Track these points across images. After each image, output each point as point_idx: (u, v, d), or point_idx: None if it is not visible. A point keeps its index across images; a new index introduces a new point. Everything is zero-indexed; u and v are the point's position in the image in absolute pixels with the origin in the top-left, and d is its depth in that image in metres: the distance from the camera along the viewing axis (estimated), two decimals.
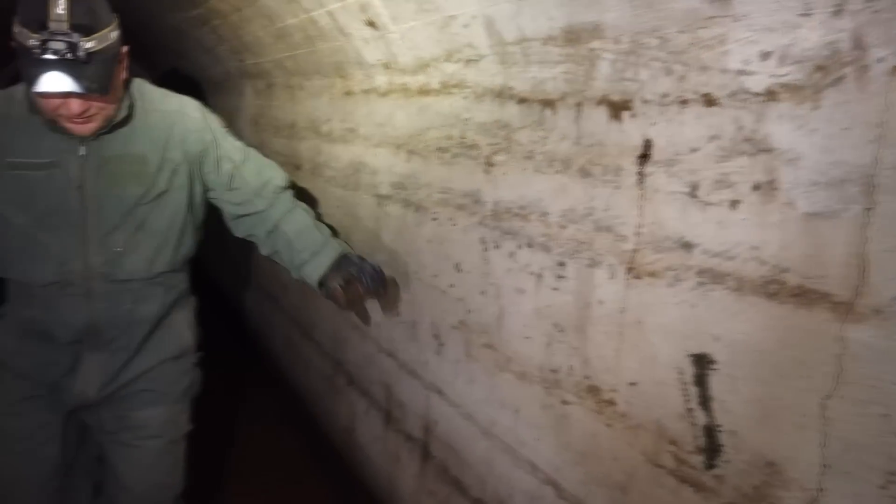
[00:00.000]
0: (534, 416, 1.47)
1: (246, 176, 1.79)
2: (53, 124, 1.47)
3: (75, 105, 1.39)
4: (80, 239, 1.53)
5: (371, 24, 1.93)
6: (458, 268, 1.77)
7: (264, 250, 1.90)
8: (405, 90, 2.01)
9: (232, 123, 4.31)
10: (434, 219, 1.87)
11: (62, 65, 1.29)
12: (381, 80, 2.16)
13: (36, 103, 1.42)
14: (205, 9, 3.04)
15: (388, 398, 2.29)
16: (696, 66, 1.03)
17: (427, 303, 1.95)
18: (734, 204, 0.99)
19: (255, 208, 1.82)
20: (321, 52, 2.47)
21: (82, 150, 1.51)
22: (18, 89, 1.55)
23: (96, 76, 1.34)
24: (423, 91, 1.90)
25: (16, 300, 1.64)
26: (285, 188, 1.89)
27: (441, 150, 1.82)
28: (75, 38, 1.29)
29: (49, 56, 1.27)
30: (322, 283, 1.80)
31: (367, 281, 1.76)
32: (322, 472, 2.85)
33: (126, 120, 1.56)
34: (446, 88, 1.78)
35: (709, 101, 1.02)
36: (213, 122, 1.76)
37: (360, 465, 2.53)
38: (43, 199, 1.51)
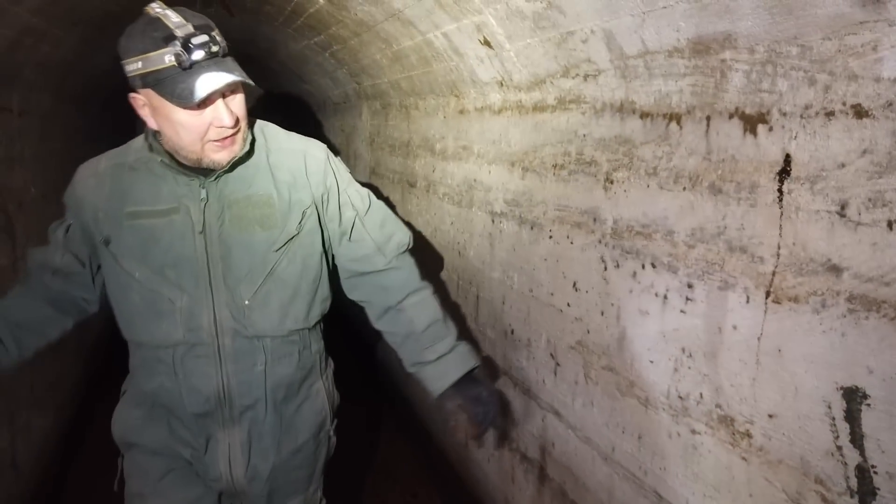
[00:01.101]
0: (659, 444, 1.41)
1: (368, 228, 1.59)
2: (192, 157, 1.35)
3: (228, 113, 1.30)
4: (205, 291, 1.43)
5: (486, 43, 1.94)
6: (575, 287, 1.73)
7: (380, 324, 1.66)
8: (520, 107, 2.00)
9: (350, 142, 4.50)
10: (550, 236, 1.85)
11: (211, 63, 1.24)
12: (495, 97, 2.16)
13: (179, 132, 1.30)
14: (326, 35, 3.18)
15: (502, 416, 2.27)
16: (843, 76, 0.96)
17: (543, 321, 1.92)
18: (891, 224, 0.90)
19: (374, 266, 1.60)
20: (435, 72, 2.51)
21: (203, 194, 1.41)
22: (135, 141, 1.50)
23: (239, 68, 1.29)
24: (539, 108, 1.88)
25: (140, 370, 1.52)
26: (408, 248, 1.67)
27: (557, 166, 1.79)
28: (209, 33, 1.25)
29: (197, 57, 1.22)
30: (440, 395, 1.59)
31: (488, 422, 1.55)
32: (437, 485, 2.87)
33: (248, 156, 1.44)
34: (563, 104, 1.75)
35: (859, 112, 0.94)
36: (338, 165, 1.60)
37: (476, 482, 2.52)
38: (164, 247, 1.41)
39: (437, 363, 1.57)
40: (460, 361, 1.58)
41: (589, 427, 1.70)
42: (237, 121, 1.33)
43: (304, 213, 1.49)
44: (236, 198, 1.43)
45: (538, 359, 1.97)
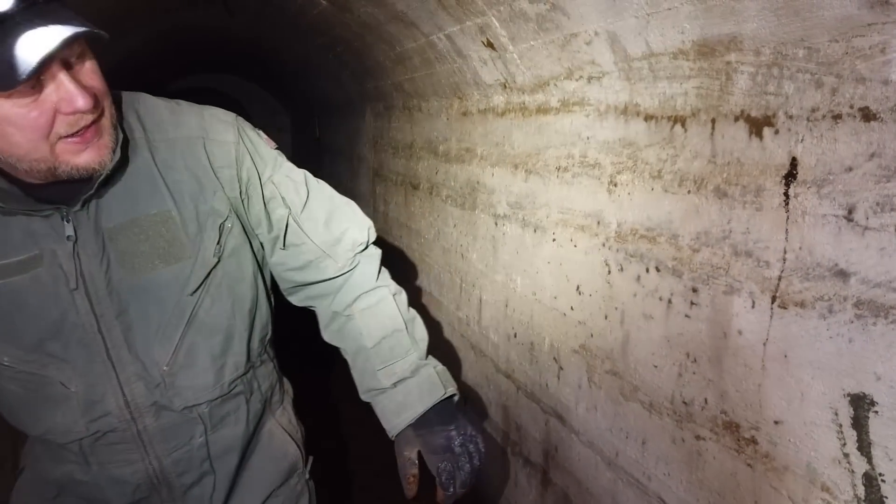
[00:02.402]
0: (663, 450, 1.39)
1: (307, 229, 1.19)
2: (39, 170, 0.89)
3: (79, 90, 0.85)
4: (104, 366, 1.04)
5: (489, 45, 1.93)
6: (579, 290, 1.72)
7: (327, 336, 1.28)
8: (523, 109, 1.99)
9: (353, 144, 4.49)
10: (553, 239, 1.84)
11: (30, 14, 0.79)
12: (499, 99, 2.15)
13: (9, 135, 0.85)
14: (330, 37, 3.17)
15: (505, 420, 2.26)
16: (851, 78, 0.94)
17: (546, 325, 1.91)
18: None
19: (323, 274, 1.22)
20: (438, 74, 2.51)
21: (69, 230, 0.98)
22: None
23: (74, 14, 0.85)
24: (542, 110, 1.87)
25: (42, 453, 1.15)
26: (368, 243, 1.27)
27: (561, 169, 1.78)
28: None
29: (4, 5, 0.76)
30: (397, 435, 1.19)
31: (458, 486, 1.14)
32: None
33: (123, 162, 1.00)
34: (566, 106, 1.74)
35: (867, 115, 0.92)
36: (255, 142, 1.17)
37: (478, 486, 2.51)
38: (34, 315, 0.99)
39: (394, 390, 1.18)
40: (426, 389, 1.17)
41: (592, 432, 1.69)
42: (96, 99, 0.89)
43: (221, 229, 1.10)
44: (119, 225, 1.01)
45: (541, 362, 1.95)
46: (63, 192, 0.96)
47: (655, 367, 1.40)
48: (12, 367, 1.02)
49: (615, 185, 1.53)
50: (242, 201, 1.14)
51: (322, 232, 1.21)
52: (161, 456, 1.11)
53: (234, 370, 1.16)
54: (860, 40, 0.92)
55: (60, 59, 0.84)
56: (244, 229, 1.16)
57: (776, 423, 1.10)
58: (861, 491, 0.95)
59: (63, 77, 0.85)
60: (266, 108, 7.23)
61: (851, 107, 0.95)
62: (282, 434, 1.30)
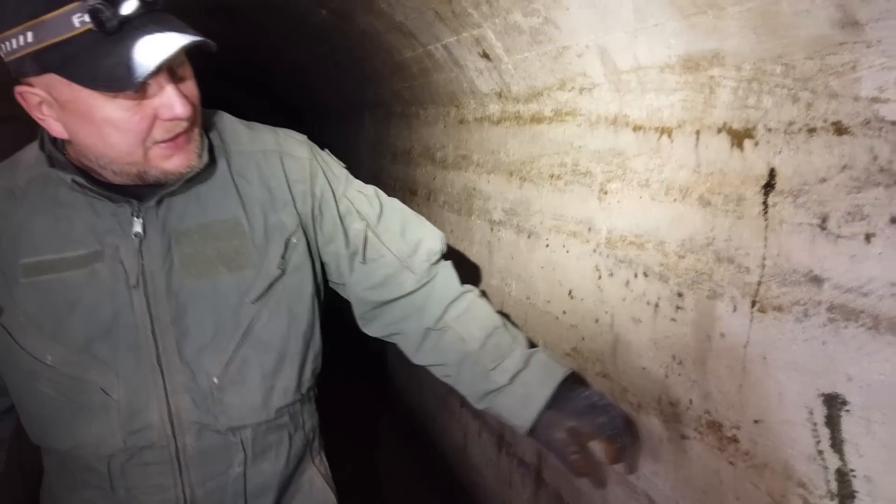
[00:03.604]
0: (651, 449, 1.44)
1: (385, 240, 1.18)
2: (128, 171, 0.93)
3: (180, 98, 0.87)
4: (152, 371, 0.99)
5: (485, 55, 1.98)
6: (571, 294, 1.77)
7: (420, 358, 1.26)
8: (518, 118, 2.04)
9: (352, 150, 4.55)
10: (547, 245, 1.89)
11: (148, 21, 0.82)
12: (494, 108, 2.21)
13: (109, 136, 0.87)
14: (330, 45, 3.23)
15: (500, 422, 2.31)
16: (824, 94, 1.00)
17: (540, 328, 1.96)
18: (869, 237, 0.93)
19: (403, 289, 1.19)
20: (436, 83, 2.56)
21: (138, 226, 0.97)
22: (23, 153, 1.04)
23: (184, 24, 0.87)
24: (536, 119, 1.92)
25: (58, 478, 1.09)
26: (442, 253, 1.26)
27: (554, 177, 1.83)
28: None
29: (128, 9, 0.79)
30: (534, 429, 1.17)
31: (622, 431, 1.13)
32: (435, 489, 2.90)
33: (207, 170, 1.03)
34: (559, 116, 1.79)
35: (839, 129, 0.98)
36: (328, 161, 1.19)
37: (474, 486, 2.55)
38: (86, 313, 0.97)
39: (513, 385, 1.16)
40: (545, 373, 1.16)
41: None
42: (193, 107, 0.92)
43: (287, 243, 1.08)
44: (188, 228, 1.01)
45: None
46: (136, 193, 0.98)
47: (644, 368, 1.45)
48: (55, 367, 0.97)
49: (605, 193, 1.58)
50: (314, 218, 1.13)
51: (399, 242, 1.20)
52: (195, 484, 1.04)
53: (282, 396, 1.10)
54: (833, 58, 0.97)
55: (167, 66, 0.87)
56: (309, 248, 1.13)
57: (756, 422, 1.14)
58: (834, 486, 1.00)
59: (166, 83, 0.88)
60: (262, 114, 7.29)
61: (825, 121, 1.00)
62: (322, 484, 1.23)
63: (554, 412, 1.15)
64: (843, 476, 0.99)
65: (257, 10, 3.22)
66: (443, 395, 2.88)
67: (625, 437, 1.11)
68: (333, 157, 1.24)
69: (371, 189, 1.25)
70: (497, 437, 2.33)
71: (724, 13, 1.10)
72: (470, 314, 1.22)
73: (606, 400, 1.16)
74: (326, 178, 1.16)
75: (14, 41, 0.81)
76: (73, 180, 0.94)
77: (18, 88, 0.88)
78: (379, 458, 3.23)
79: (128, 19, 0.81)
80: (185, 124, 0.93)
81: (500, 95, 2.12)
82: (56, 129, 0.91)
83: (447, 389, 2.84)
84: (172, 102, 0.88)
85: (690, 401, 1.31)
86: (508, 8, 1.65)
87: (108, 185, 0.98)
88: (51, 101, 0.87)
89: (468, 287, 1.26)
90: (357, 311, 1.25)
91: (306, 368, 1.15)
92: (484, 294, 1.25)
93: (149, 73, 0.80)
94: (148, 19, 0.83)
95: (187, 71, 0.93)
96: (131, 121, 0.87)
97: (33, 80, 0.86)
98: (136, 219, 0.99)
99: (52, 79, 0.84)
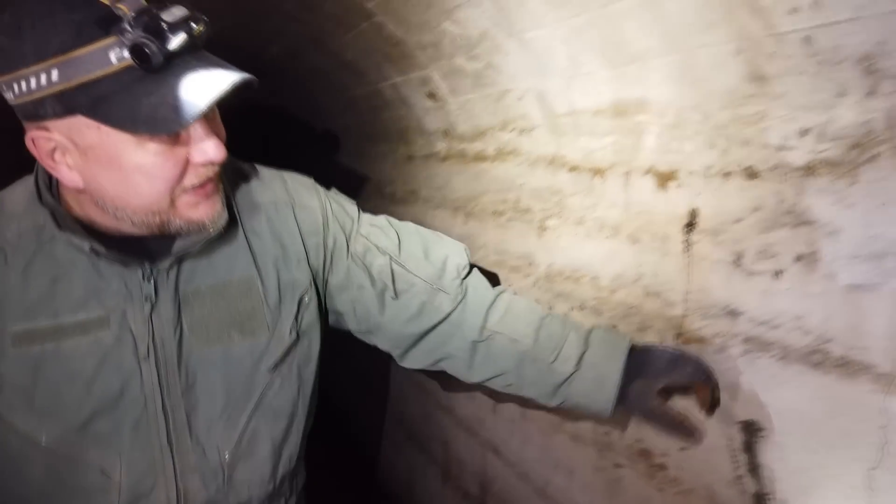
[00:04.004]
0: (587, 478, 1.48)
1: (412, 267, 1.11)
2: (150, 221, 0.84)
3: (215, 141, 0.81)
4: (160, 452, 0.90)
5: (431, 95, 2.05)
6: None
7: (476, 375, 1.16)
8: (463, 156, 2.11)
9: None
10: None
11: (191, 57, 0.76)
12: (441, 145, 2.27)
13: (137, 184, 0.78)
14: (280, 82, 3.26)
15: (444, 454, 2.32)
16: (737, 141, 1.08)
17: None
18: (777, 274, 1.01)
19: (441, 313, 1.11)
20: (386, 120, 2.62)
21: (148, 289, 0.87)
22: (11, 196, 0.90)
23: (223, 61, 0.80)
24: (480, 157, 1.99)
25: None
26: (470, 267, 1.21)
27: (496, 213, 1.89)
28: (182, 10, 0.75)
29: (176, 44, 0.72)
30: (624, 406, 1.11)
31: (709, 372, 1.05)
32: None
33: (229, 224, 0.93)
34: (501, 155, 1.86)
35: (751, 174, 1.06)
36: (337, 202, 1.12)
37: None
38: (87, 387, 0.86)
39: (581, 370, 1.07)
40: (610, 347, 1.08)
41: (525, 463, 1.77)
42: (226, 153, 0.84)
43: (300, 303, 1.01)
44: (197, 289, 0.92)
45: (478, 398, 2.03)
46: (148, 243, 0.88)
47: None
48: (50, 450, 0.84)
49: (544, 230, 1.65)
50: (325, 269, 1.06)
51: (425, 266, 1.13)
52: None
53: (287, 463, 1.03)
54: (743, 109, 1.06)
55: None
56: (319, 305, 1.06)
57: (682, 449, 1.20)
58: None
59: (199, 126, 0.79)
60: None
61: (738, 166, 1.08)
62: None
63: (638, 382, 1.06)
64: (760, 499, 1.04)
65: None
66: (388, 429, 2.87)
67: (713, 376, 1.03)
68: (341, 194, 1.17)
69: (383, 219, 1.19)
70: (442, 469, 2.34)
71: (648, 65, 1.19)
72: (511, 313, 1.14)
73: (678, 349, 1.07)
74: (339, 223, 1.10)
75: (33, 80, 0.70)
76: (92, 249, 0.83)
77: (32, 134, 0.78)
78: (322, 486, 3.18)
79: (174, 54, 0.73)
80: (216, 169, 0.85)
81: (446, 134, 2.18)
82: (70, 178, 0.80)
83: (393, 423, 2.84)
84: (207, 146, 0.80)
85: (622, 430, 1.36)
86: (452, 53, 1.73)
87: (115, 238, 0.87)
88: (68, 147, 0.77)
89: (500, 288, 1.20)
90: (395, 349, 1.17)
91: (306, 430, 1.09)
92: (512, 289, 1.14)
93: (199, 113, 0.72)
94: (190, 55, 0.76)
95: (215, 111, 0.84)
96: (164, 167, 0.78)
97: (51, 123, 0.75)
98: (146, 282, 0.88)
99: (77, 122, 0.74)
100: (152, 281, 0.88)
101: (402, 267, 1.11)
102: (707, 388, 1.06)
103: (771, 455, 1.02)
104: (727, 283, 1.10)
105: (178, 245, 0.90)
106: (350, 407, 3.49)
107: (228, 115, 0.91)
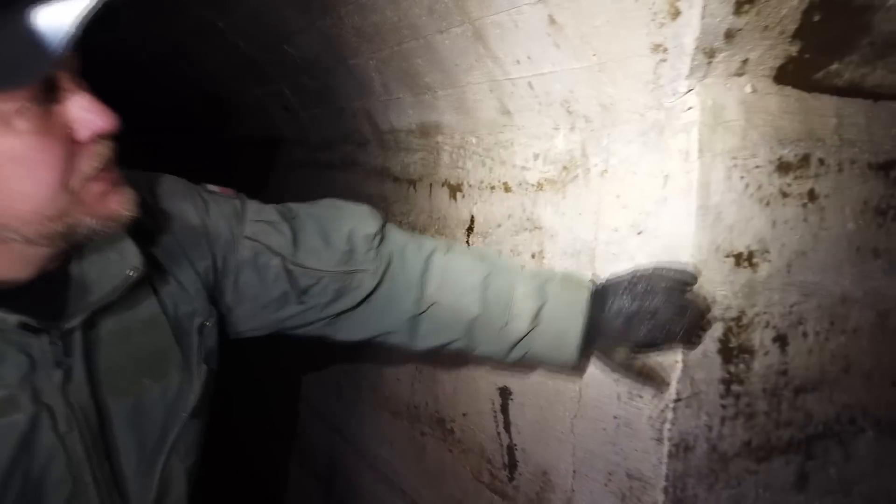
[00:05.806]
0: (403, 448, 1.71)
1: (311, 263, 0.97)
2: (47, 231, 0.65)
3: (101, 106, 0.63)
4: None
5: (285, 108, 2.23)
6: None
7: (421, 346, 1.06)
8: (316, 164, 2.30)
9: None
10: None
11: None
12: (299, 154, 2.45)
13: (22, 177, 0.60)
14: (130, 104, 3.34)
15: (302, 442, 2.50)
16: (498, 161, 1.33)
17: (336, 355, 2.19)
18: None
19: (365, 290, 0.99)
20: (251, 129, 2.77)
21: (59, 354, 0.72)
22: None
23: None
24: (330, 166, 2.19)
25: None
26: (382, 230, 1.05)
27: None
28: None
29: None
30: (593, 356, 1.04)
31: (676, 332, 0.88)
32: None
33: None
34: (346, 165, 2.07)
35: (506, 188, 1.31)
36: (215, 205, 0.95)
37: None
38: (6, 480, 0.70)
39: (538, 329, 0.97)
40: (568, 299, 0.96)
41: (361, 441, 1.98)
42: (118, 122, 0.66)
43: (201, 330, 0.89)
44: (102, 336, 0.78)
45: (326, 384, 2.23)
46: (47, 296, 0.70)
47: (398, 380, 1.73)
48: None
49: None
50: (220, 287, 0.94)
51: (328, 254, 0.98)
52: None
53: (196, 485, 0.93)
54: (500, 136, 1.31)
55: (67, 65, 0.60)
56: (221, 326, 0.95)
57: (464, 415, 1.44)
58: (506, 458, 1.31)
59: (75, 87, 0.60)
60: None
61: (499, 181, 1.33)
62: None
63: (602, 330, 0.94)
64: (510, 450, 1.29)
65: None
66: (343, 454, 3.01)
67: (678, 325, 0.87)
68: (216, 192, 0.99)
69: (272, 211, 1.01)
70: (300, 458, 2.51)
71: (437, 94, 1.42)
72: (449, 278, 1.00)
73: (639, 274, 0.90)
74: (219, 230, 0.94)
75: None
76: None
77: None
78: None
79: None
80: (111, 145, 0.66)
81: (301, 143, 2.37)
82: None
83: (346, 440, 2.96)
84: (92, 113, 0.61)
85: (427, 403, 1.59)
86: (297, 72, 1.92)
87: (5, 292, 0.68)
88: None
89: (429, 247, 1.05)
90: (328, 333, 1.05)
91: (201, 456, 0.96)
92: (446, 241, 1.12)
93: (68, 38, 0.52)
94: None
95: (84, 85, 0.64)
96: (43, 149, 0.58)
97: None
98: (53, 345, 0.70)
99: None
100: (60, 343, 0.71)
101: (301, 266, 0.97)
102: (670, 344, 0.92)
103: (516, 413, 1.27)
104: None
105: (97, 293, 0.74)
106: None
107: None
